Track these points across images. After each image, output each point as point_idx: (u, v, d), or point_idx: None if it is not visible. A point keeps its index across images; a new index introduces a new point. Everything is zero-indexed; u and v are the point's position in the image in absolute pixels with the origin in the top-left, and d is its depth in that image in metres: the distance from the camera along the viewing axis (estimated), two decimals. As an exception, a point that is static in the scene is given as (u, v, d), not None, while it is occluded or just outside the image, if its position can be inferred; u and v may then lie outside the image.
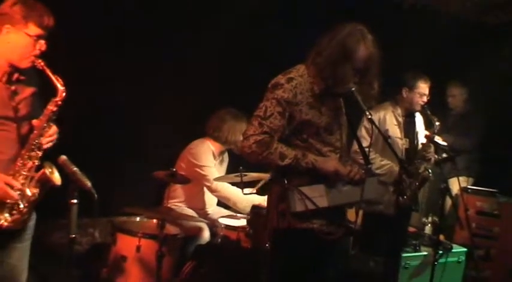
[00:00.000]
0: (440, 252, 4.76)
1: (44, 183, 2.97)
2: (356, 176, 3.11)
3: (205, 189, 5.03)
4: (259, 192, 5.05)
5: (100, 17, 4.93)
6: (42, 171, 2.95)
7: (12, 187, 2.85)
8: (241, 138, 4.92)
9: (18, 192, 2.89)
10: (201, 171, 4.92)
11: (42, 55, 2.92)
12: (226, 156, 5.33)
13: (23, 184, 2.92)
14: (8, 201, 2.88)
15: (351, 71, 3.07)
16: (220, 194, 5.00)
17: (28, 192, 2.93)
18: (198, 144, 5.07)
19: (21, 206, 2.91)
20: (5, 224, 2.89)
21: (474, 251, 5.46)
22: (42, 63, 2.91)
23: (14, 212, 2.91)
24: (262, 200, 4.86)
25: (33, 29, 2.86)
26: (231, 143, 5.09)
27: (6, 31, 2.84)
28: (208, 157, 5.02)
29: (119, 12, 5.05)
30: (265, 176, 4.76)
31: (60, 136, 3.10)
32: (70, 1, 4.56)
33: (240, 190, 4.84)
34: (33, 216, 3.15)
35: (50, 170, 2.96)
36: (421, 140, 4.94)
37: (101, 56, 4.94)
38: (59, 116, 3.04)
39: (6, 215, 2.89)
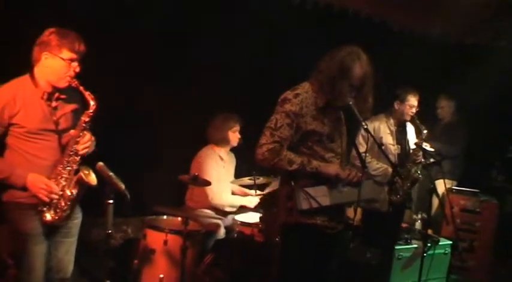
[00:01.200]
0: (429, 244, 4.75)
1: (82, 184, 3.04)
2: (354, 179, 3.12)
3: None
4: (263, 205, 4.81)
5: (127, 27, 4.85)
6: (79, 174, 3.03)
7: (51, 189, 2.95)
8: (228, 134, 4.94)
9: (61, 193, 2.99)
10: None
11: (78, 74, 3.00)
12: (232, 156, 5.17)
13: (63, 186, 3.01)
14: (53, 201, 2.98)
15: (347, 87, 3.07)
16: (218, 204, 4.88)
17: (68, 192, 3.02)
18: (204, 152, 4.93)
19: (63, 204, 3.02)
20: (51, 219, 3.00)
21: (459, 244, 5.44)
22: (76, 82, 3.00)
23: (58, 210, 3.01)
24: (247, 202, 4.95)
25: (67, 54, 2.95)
26: (224, 141, 4.94)
27: (45, 57, 2.95)
28: (213, 164, 4.86)
29: (145, 23, 4.94)
30: (275, 180, 4.77)
31: (99, 145, 3.16)
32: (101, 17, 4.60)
33: (233, 197, 4.98)
34: (79, 215, 3.22)
35: (86, 172, 3.05)
36: (412, 146, 4.93)
37: (130, 73, 4.90)
38: (97, 128, 3.11)
39: (52, 212, 3.01)
